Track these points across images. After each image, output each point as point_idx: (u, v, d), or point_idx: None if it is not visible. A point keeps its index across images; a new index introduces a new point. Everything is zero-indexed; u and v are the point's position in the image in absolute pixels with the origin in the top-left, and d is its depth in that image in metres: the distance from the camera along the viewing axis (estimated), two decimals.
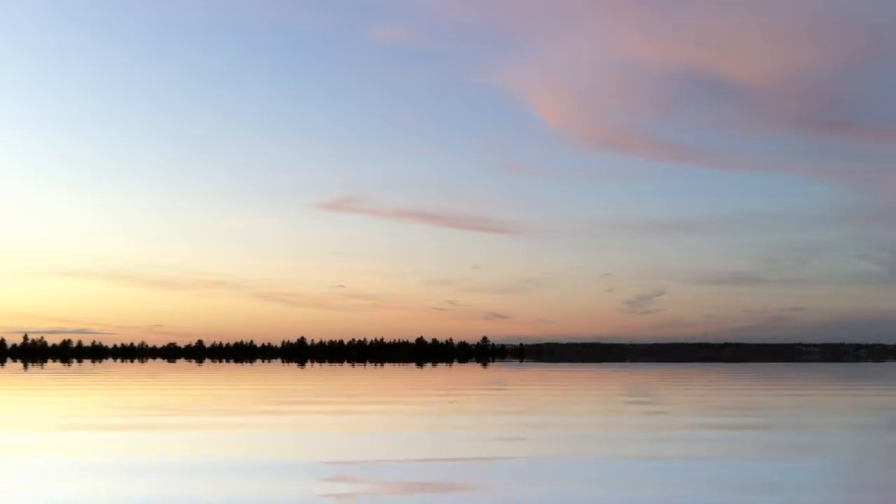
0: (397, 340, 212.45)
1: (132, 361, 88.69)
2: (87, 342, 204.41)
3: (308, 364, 73.50)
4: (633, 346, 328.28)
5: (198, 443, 10.94)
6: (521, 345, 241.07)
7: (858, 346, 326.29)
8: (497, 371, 48.22)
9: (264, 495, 7.05)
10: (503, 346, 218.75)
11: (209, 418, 14.95)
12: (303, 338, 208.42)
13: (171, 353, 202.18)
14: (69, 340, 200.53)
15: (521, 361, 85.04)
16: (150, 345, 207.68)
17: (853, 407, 17.90)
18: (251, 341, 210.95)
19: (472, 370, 50.70)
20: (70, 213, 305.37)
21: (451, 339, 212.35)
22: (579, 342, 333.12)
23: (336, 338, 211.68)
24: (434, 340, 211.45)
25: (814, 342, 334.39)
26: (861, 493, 7.20)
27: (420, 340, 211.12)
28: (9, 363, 79.66)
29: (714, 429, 12.84)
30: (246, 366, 66.17)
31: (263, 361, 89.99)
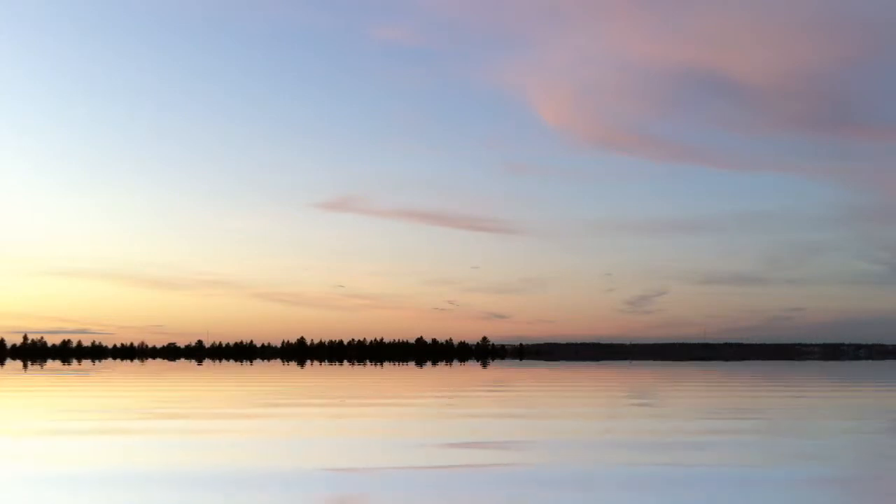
0: (397, 340, 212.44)
1: (132, 361, 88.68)
2: (86, 342, 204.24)
3: (308, 364, 73.49)
4: (633, 346, 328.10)
5: (196, 442, 10.93)
6: (521, 345, 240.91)
7: (858, 346, 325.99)
8: (497, 371, 48.22)
9: (262, 495, 7.05)
10: (503, 346, 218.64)
11: (208, 417, 14.95)
12: (302, 338, 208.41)
13: (171, 353, 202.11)
14: (69, 340, 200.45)
15: (521, 361, 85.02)
16: (150, 345, 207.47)
17: (852, 406, 17.92)
18: (251, 341, 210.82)
19: (471, 370, 50.70)
20: (70, 213, 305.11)
21: (450, 339, 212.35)
22: (579, 342, 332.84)
23: (336, 338, 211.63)
24: (434, 340, 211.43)
25: (814, 342, 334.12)
26: (860, 490, 7.20)
27: (420, 340, 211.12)
28: (9, 363, 79.64)
29: (714, 428, 12.84)
30: (246, 366, 66.17)
31: (263, 361, 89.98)
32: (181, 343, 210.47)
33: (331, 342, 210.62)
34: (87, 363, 77.08)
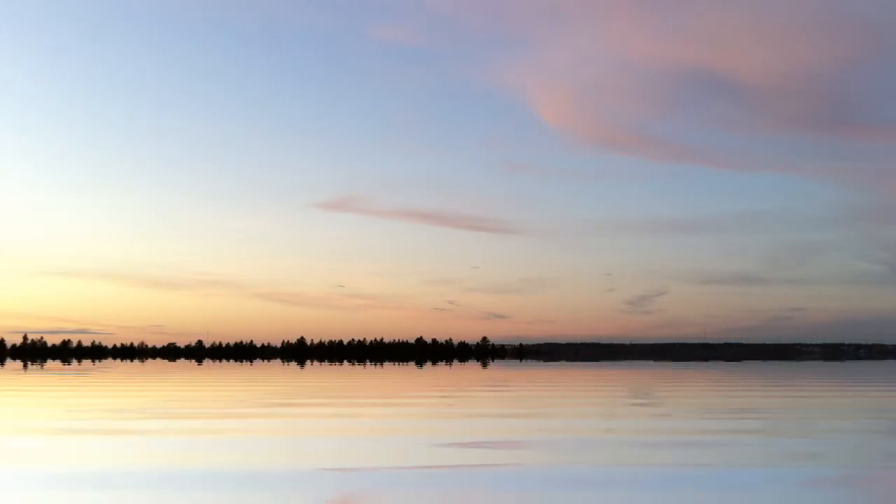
0: (397, 340, 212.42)
1: (132, 361, 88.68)
2: (86, 342, 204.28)
3: (308, 364, 73.48)
4: (633, 346, 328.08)
5: (195, 442, 10.94)
6: (520, 345, 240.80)
7: (858, 346, 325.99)
8: (497, 371, 48.23)
9: (261, 496, 7.05)
10: (503, 346, 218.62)
11: (208, 417, 14.95)
12: (302, 338, 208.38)
13: (171, 353, 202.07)
14: (69, 340, 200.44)
15: (520, 361, 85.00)
16: (150, 345, 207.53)
17: (852, 406, 17.93)
18: (251, 341, 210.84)
19: (471, 370, 50.71)
20: (70, 213, 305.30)
21: (450, 340, 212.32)
22: (579, 342, 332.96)
23: (336, 338, 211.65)
24: (434, 340, 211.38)
25: (814, 342, 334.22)
26: (860, 491, 7.20)
27: (420, 340, 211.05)
28: (9, 363, 79.64)
29: (713, 427, 12.84)
30: (246, 366, 66.16)
31: (263, 361, 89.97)
32: (181, 343, 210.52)
33: (331, 342, 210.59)
34: (87, 363, 77.08)
